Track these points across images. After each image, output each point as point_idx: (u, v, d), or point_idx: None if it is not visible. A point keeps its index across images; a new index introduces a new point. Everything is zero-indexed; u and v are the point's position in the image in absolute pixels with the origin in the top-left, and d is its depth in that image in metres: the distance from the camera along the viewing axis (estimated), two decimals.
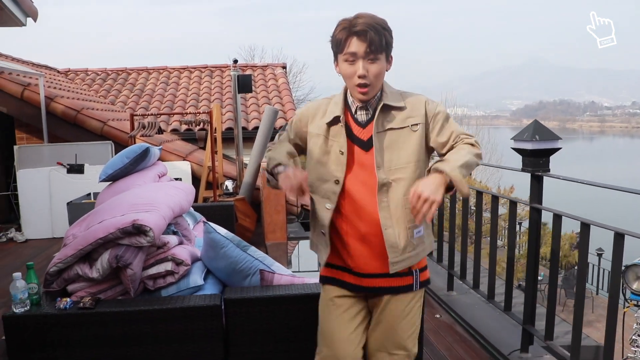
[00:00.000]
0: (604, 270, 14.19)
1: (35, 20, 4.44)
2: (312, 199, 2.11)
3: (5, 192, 8.07)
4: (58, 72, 11.68)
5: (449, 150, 1.98)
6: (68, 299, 2.53)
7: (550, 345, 2.97)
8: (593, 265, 14.13)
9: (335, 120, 2.01)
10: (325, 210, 2.02)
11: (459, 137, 1.98)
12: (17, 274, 2.48)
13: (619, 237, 2.44)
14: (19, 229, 7.27)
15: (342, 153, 1.98)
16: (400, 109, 1.98)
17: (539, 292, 12.51)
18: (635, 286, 8.22)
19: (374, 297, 2.09)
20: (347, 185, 1.99)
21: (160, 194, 3.12)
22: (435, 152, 2.07)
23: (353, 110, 2.02)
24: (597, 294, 14.35)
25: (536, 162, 2.88)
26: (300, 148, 2.18)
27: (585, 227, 2.64)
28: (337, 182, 1.99)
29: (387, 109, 1.98)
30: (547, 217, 3.10)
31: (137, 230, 2.56)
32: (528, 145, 2.84)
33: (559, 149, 2.87)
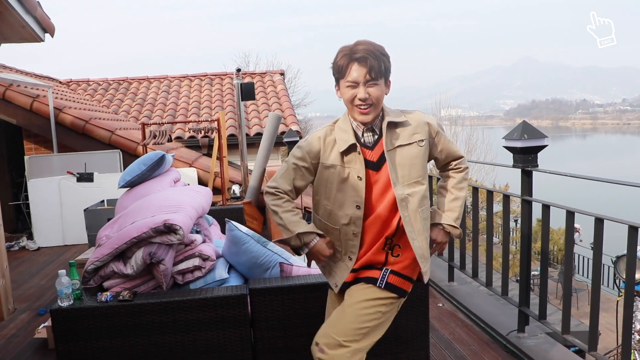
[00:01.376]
0: (602, 264, 14.48)
1: (52, 36, 4.69)
2: (324, 225, 2.23)
3: (16, 202, 8.29)
4: (60, 83, 11.92)
5: (444, 165, 2.31)
6: (108, 293, 2.79)
7: (544, 323, 3.25)
8: (588, 259, 14.42)
9: (350, 149, 2.12)
10: (352, 236, 2.16)
11: (455, 161, 2.29)
12: (62, 271, 2.74)
13: (599, 222, 2.74)
14: (30, 237, 7.50)
15: (361, 179, 2.11)
16: (403, 124, 2.14)
17: (536, 287, 12.82)
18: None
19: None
20: (366, 207, 2.14)
21: (184, 196, 3.38)
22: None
23: (360, 134, 2.15)
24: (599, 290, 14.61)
25: (525, 158, 3.17)
26: (306, 179, 2.24)
27: (570, 214, 2.94)
28: (358, 207, 2.12)
29: (392, 126, 2.13)
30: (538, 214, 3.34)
31: (168, 229, 2.83)
32: (518, 144, 3.13)
33: (546, 146, 3.16)
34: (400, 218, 2.11)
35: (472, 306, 4.03)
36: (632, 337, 7.59)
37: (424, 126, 2.18)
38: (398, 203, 2.10)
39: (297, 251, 2.23)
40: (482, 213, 4.49)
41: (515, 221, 16.27)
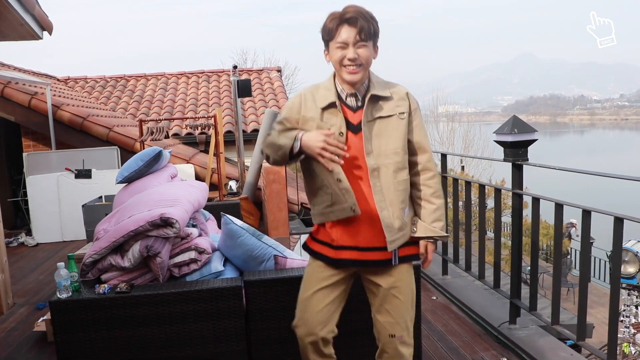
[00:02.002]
0: (595, 257, 14.61)
1: (50, 34, 4.74)
2: (316, 176, 2.22)
3: (15, 199, 8.34)
4: (58, 80, 11.95)
5: (412, 162, 2.22)
6: (106, 285, 2.85)
7: (534, 314, 3.31)
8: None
9: (330, 105, 2.14)
10: (346, 192, 2.14)
11: (422, 156, 2.22)
12: (61, 264, 2.79)
13: (586, 214, 2.80)
14: (29, 233, 7.56)
15: (342, 134, 2.12)
16: (387, 98, 2.15)
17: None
18: (621, 269, 8.58)
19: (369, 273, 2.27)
20: (344, 166, 2.12)
21: (180, 191, 3.44)
22: None
23: (344, 97, 2.17)
24: (589, 281, 14.75)
25: (516, 152, 3.23)
26: None
27: (559, 206, 3.00)
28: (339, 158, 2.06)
29: (375, 99, 2.15)
30: (541, 210, 3.38)
31: (165, 222, 2.88)
32: (508, 138, 3.19)
33: (536, 140, 3.22)
34: None
35: (465, 299, 4.09)
36: (627, 330, 7.67)
37: (406, 99, 2.20)
38: (369, 173, 2.12)
39: (292, 156, 2.15)
40: (475, 208, 4.55)
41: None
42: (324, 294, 2.29)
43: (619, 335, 7.57)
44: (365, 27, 2.05)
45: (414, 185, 2.27)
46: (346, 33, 2.05)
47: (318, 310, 2.27)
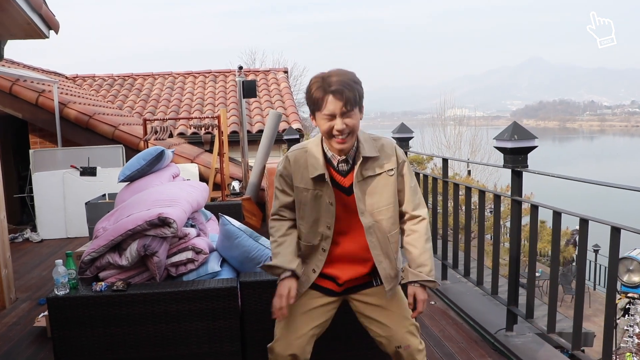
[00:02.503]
0: (600, 265, 14.55)
1: (57, 33, 4.78)
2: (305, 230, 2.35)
3: (21, 194, 8.40)
4: (67, 78, 12.03)
5: (401, 201, 2.31)
6: (103, 283, 2.87)
7: (530, 322, 3.31)
8: (590, 261, 14.45)
9: (320, 177, 2.21)
10: (322, 252, 2.30)
11: (414, 211, 2.30)
12: (59, 261, 2.82)
13: (584, 223, 2.79)
14: (34, 229, 7.62)
15: (332, 204, 2.23)
16: (375, 158, 2.22)
17: (537, 289, 12.87)
18: (625, 278, 8.53)
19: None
20: (337, 227, 2.27)
21: (179, 191, 3.46)
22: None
23: (335, 164, 2.23)
24: (594, 289, 14.69)
25: (515, 159, 3.23)
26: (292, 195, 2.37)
27: (557, 214, 3.00)
28: (329, 227, 2.26)
29: (365, 160, 2.21)
30: (544, 216, 3.36)
31: (162, 222, 2.90)
32: (508, 144, 3.19)
33: (536, 147, 3.22)
34: None
35: (463, 304, 4.09)
36: (631, 340, 7.61)
37: (393, 155, 2.26)
38: (365, 230, 2.22)
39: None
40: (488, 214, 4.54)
41: None
42: (310, 317, 2.35)
43: (622, 345, 7.53)
44: (351, 98, 2.08)
45: (402, 231, 2.36)
46: (332, 105, 2.08)
47: (302, 333, 2.32)
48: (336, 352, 2.89)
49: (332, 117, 2.10)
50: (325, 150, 2.25)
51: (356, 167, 2.20)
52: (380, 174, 2.23)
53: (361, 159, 2.19)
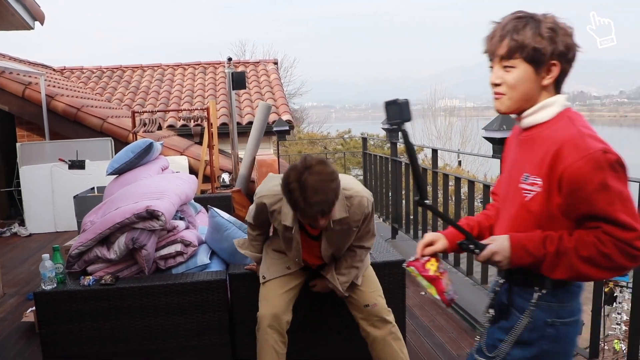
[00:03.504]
0: None
1: (42, 24, 4.72)
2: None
3: (9, 189, 8.33)
4: (54, 70, 11.90)
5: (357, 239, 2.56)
6: (91, 277, 2.85)
7: None
8: None
9: (289, 228, 2.44)
10: (293, 265, 2.67)
11: (363, 239, 2.58)
12: (46, 255, 2.80)
13: None
14: (22, 223, 7.55)
15: (299, 245, 2.51)
16: (345, 218, 2.38)
17: None
18: None
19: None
20: (303, 254, 2.59)
21: (168, 183, 3.44)
22: None
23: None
24: None
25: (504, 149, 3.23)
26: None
27: None
28: (297, 260, 2.61)
29: (334, 221, 2.37)
30: None
31: (150, 215, 2.89)
32: (497, 134, 3.19)
33: None
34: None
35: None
36: (619, 327, 7.73)
37: (361, 215, 2.42)
38: (326, 263, 2.63)
39: None
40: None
41: None
42: (282, 282, 2.64)
43: (610, 332, 7.62)
44: (327, 211, 2.21)
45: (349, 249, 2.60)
46: (314, 222, 2.24)
47: (279, 294, 2.60)
48: (335, 345, 2.90)
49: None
50: None
51: (328, 227, 2.38)
52: (348, 229, 2.44)
53: (331, 222, 2.35)
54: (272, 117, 9.49)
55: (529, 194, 1.52)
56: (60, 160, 7.22)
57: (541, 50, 1.48)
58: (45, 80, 8.05)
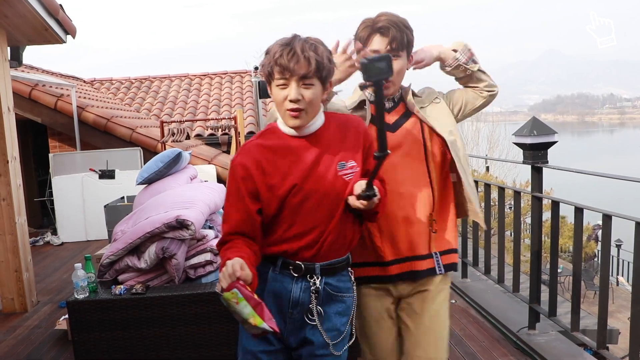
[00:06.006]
0: (623, 261, 14.33)
1: (74, 37, 4.82)
2: None
3: (42, 198, 8.50)
4: (84, 82, 12.15)
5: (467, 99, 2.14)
6: (122, 286, 2.88)
7: (554, 320, 3.25)
8: (612, 256, 14.25)
9: (360, 105, 2.03)
10: None
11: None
12: (78, 265, 2.84)
13: (607, 219, 2.74)
14: (54, 232, 7.70)
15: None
16: (419, 96, 2.08)
17: (559, 285, 12.71)
18: None
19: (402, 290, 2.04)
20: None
21: (197, 193, 3.46)
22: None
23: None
24: (617, 285, 14.48)
25: (535, 154, 3.18)
26: None
27: (579, 211, 2.94)
28: None
29: (412, 96, 2.05)
30: (564, 212, 3.30)
31: (180, 224, 2.91)
32: (527, 140, 3.14)
33: (555, 142, 3.16)
34: (433, 190, 2.01)
35: (484, 303, 4.04)
36: None
37: (433, 91, 2.15)
38: (450, 145, 2.00)
39: None
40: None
41: None
42: (389, 325, 2.07)
43: None
44: (398, 37, 1.93)
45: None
46: (377, 44, 1.94)
47: (390, 344, 2.08)
48: None
49: None
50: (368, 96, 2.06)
51: (408, 100, 2.04)
52: (428, 105, 2.07)
53: (410, 93, 2.04)
54: None
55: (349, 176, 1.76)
56: (91, 170, 7.35)
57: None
58: (76, 91, 8.21)
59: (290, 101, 1.67)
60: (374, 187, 1.65)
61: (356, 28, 2.00)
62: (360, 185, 1.68)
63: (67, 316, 3.89)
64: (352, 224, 1.80)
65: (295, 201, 1.73)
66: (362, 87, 1.79)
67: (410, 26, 1.98)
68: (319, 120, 1.78)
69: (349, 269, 1.86)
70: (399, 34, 1.93)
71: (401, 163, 1.98)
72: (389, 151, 1.64)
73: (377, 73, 1.60)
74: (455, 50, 2.07)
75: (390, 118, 2.02)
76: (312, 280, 1.76)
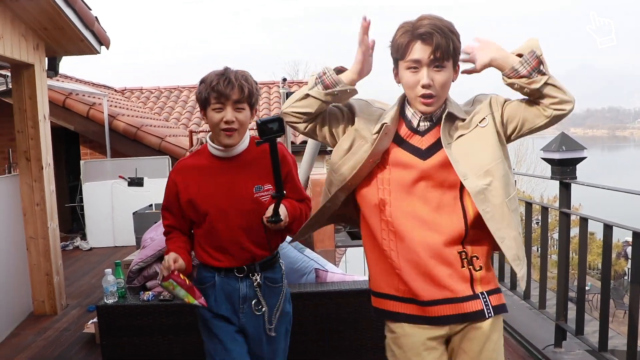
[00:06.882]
0: None
1: (108, 48, 4.96)
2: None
3: (72, 204, 8.69)
4: (116, 91, 12.40)
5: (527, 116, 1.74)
6: (150, 292, 2.94)
7: (580, 338, 3.21)
8: None
9: (380, 129, 1.76)
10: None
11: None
12: (108, 270, 2.90)
13: (637, 236, 2.70)
14: (83, 237, 7.85)
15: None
16: (462, 119, 1.77)
17: (587, 303, 12.48)
18: None
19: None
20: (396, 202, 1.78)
21: None
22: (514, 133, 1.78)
23: (415, 124, 1.78)
24: None
25: (564, 170, 3.15)
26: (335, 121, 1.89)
27: (608, 228, 2.90)
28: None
29: (452, 118, 1.77)
30: (593, 228, 3.26)
31: None
32: (556, 155, 3.12)
33: (584, 158, 3.14)
34: (467, 221, 1.73)
35: (510, 319, 3.99)
36: None
37: (484, 104, 1.79)
38: (474, 197, 1.69)
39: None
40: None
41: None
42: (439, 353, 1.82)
43: None
44: (443, 45, 1.66)
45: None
46: (419, 52, 1.67)
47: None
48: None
49: (418, 66, 1.69)
50: (406, 108, 1.81)
51: (442, 125, 1.75)
52: (472, 130, 1.75)
53: (447, 113, 1.75)
54: None
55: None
56: (120, 177, 7.49)
57: None
58: (108, 100, 8.40)
59: (225, 122, 1.95)
60: (279, 213, 1.91)
61: (394, 33, 1.74)
62: (269, 211, 1.93)
63: (95, 320, 3.97)
64: (273, 231, 2.03)
65: (215, 217, 2.01)
66: (258, 144, 1.81)
67: (457, 31, 1.71)
68: (244, 143, 2.07)
69: (280, 261, 2.20)
70: (443, 40, 1.65)
71: (433, 195, 1.74)
72: (284, 192, 1.87)
73: (269, 133, 1.74)
74: (520, 55, 1.67)
75: (424, 142, 1.77)
76: (254, 277, 2.06)
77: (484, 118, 1.75)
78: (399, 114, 1.81)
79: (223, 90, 1.93)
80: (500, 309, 1.79)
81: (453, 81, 1.76)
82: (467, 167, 1.71)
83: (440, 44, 1.65)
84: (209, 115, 1.99)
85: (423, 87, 1.69)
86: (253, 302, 2.06)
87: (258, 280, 2.06)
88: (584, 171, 3.57)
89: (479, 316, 1.75)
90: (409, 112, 1.80)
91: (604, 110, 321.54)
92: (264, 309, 2.08)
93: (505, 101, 1.78)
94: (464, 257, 1.75)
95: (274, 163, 1.85)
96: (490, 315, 1.75)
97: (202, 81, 2.00)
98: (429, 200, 1.75)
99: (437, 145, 1.75)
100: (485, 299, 1.75)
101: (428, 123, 1.78)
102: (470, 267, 1.75)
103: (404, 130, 1.79)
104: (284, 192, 1.88)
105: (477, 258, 1.76)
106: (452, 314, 1.75)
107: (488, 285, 1.78)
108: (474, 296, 1.75)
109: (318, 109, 1.82)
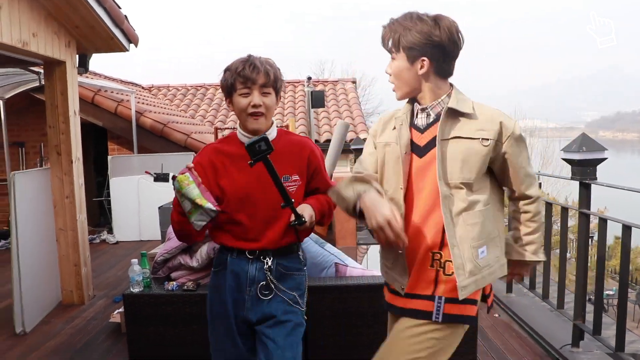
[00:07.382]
0: None
1: (136, 46, 5.08)
2: None
3: (100, 198, 8.89)
4: (143, 88, 12.63)
5: (510, 190, 1.90)
6: (174, 283, 3.04)
7: (598, 339, 3.21)
8: None
9: (397, 123, 1.89)
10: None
11: (524, 183, 1.87)
12: (135, 260, 3.01)
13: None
14: (110, 231, 8.04)
15: (406, 153, 1.83)
16: (469, 116, 1.79)
17: (611, 307, 12.30)
18: None
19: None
20: (406, 200, 1.85)
21: None
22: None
23: (417, 122, 1.86)
24: None
25: (584, 171, 3.16)
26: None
27: (627, 228, 2.91)
28: (401, 188, 1.84)
29: (454, 114, 1.79)
30: (619, 232, 3.22)
31: None
32: (576, 156, 3.13)
33: (605, 159, 3.14)
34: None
35: (528, 318, 4.01)
36: None
37: (495, 124, 1.79)
38: (441, 200, 1.76)
39: (356, 214, 1.86)
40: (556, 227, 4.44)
41: (591, 237, 15.62)
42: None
43: None
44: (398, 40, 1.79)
45: (513, 210, 1.96)
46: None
47: None
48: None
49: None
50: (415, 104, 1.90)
51: (441, 121, 1.79)
52: (473, 139, 1.78)
53: (446, 109, 1.79)
54: (350, 135, 9.62)
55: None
56: (147, 172, 7.63)
57: None
58: (135, 97, 8.57)
59: (253, 106, 1.95)
60: (301, 216, 1.90)
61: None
62: (292, 216, 1.92)
63: (120, 310, 4.09)
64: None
65: (242, 204, 1.99)
66: (251, 164, 1.82)
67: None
68: (272, 133, 2.06)
69: (300, 253, 2.13)
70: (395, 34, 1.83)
71: (423, 194, 1.82)
72: (292, 200, 1.88)
73: (259, 152, 1.78)
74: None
75: (422, 139, 1.83)
76: (265, 261, 2.01)
77: (489, 140, 1.78)
78: (410, 110, 1.90)
79: (249, 74, 1.94)
80: (455, 319, 1.81)
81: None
82: (447, 171, 1.78)
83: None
84: (235, 101, 1.98)
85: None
86: (260, 285, 2.01)
87: (269, 264, 2.01)
88: (611, 174, 3.57)
89: (422, 316, 1.82)
90: (416, 108, 1.89)
91: (634, 113, 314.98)
92: (270, 296, 2.01)
93: (516, 139, 1.83)
94: (437, 257, 1.81)
95: (273, 177, 1.84)
96: (437, 319, 1.80)
97: (227, 69, 2.00)
98: (420, 197, 1.83)
99: (433, 143, 1.81)
100: (439, 304, 1.80)
101: (425, 117, 1.86)
102: (440, 269, 1.80)
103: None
104: (292, 200, 1.88)
105: (450, 262, 1.79)
106: (399, 306, 1.90)
107: (452, 292, 1.78)
108: (429, 297, 1.81)
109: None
